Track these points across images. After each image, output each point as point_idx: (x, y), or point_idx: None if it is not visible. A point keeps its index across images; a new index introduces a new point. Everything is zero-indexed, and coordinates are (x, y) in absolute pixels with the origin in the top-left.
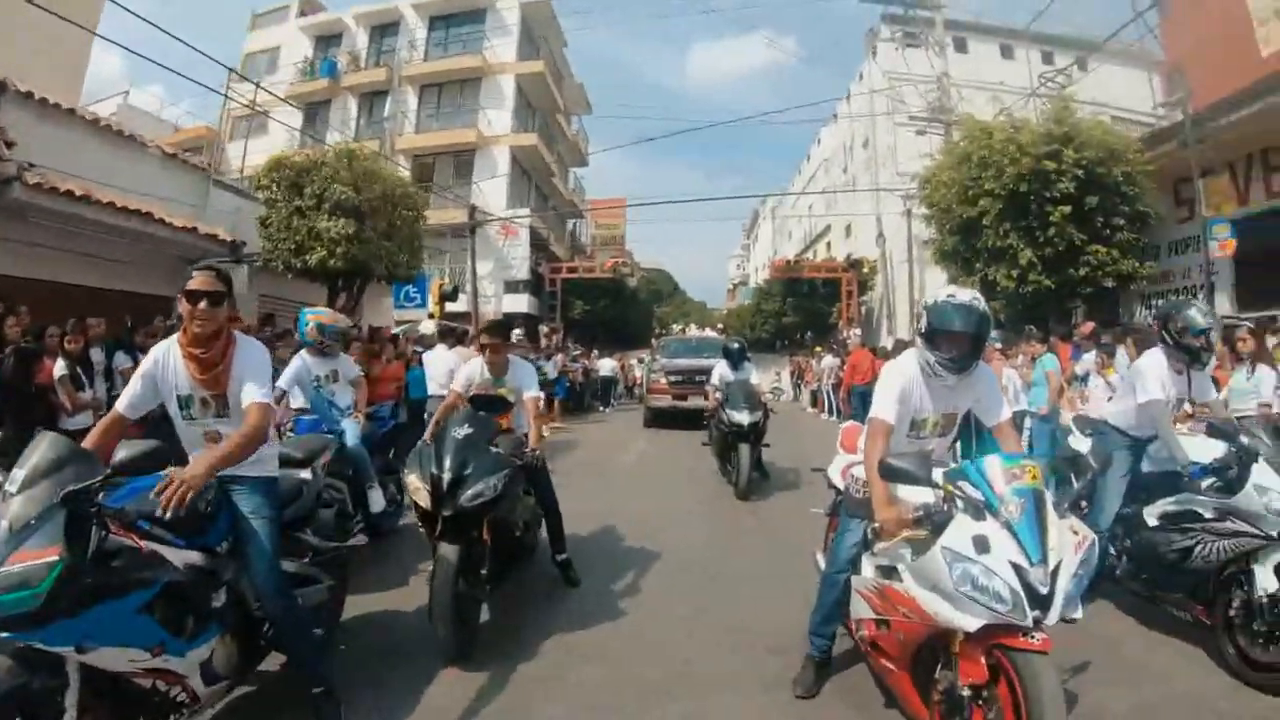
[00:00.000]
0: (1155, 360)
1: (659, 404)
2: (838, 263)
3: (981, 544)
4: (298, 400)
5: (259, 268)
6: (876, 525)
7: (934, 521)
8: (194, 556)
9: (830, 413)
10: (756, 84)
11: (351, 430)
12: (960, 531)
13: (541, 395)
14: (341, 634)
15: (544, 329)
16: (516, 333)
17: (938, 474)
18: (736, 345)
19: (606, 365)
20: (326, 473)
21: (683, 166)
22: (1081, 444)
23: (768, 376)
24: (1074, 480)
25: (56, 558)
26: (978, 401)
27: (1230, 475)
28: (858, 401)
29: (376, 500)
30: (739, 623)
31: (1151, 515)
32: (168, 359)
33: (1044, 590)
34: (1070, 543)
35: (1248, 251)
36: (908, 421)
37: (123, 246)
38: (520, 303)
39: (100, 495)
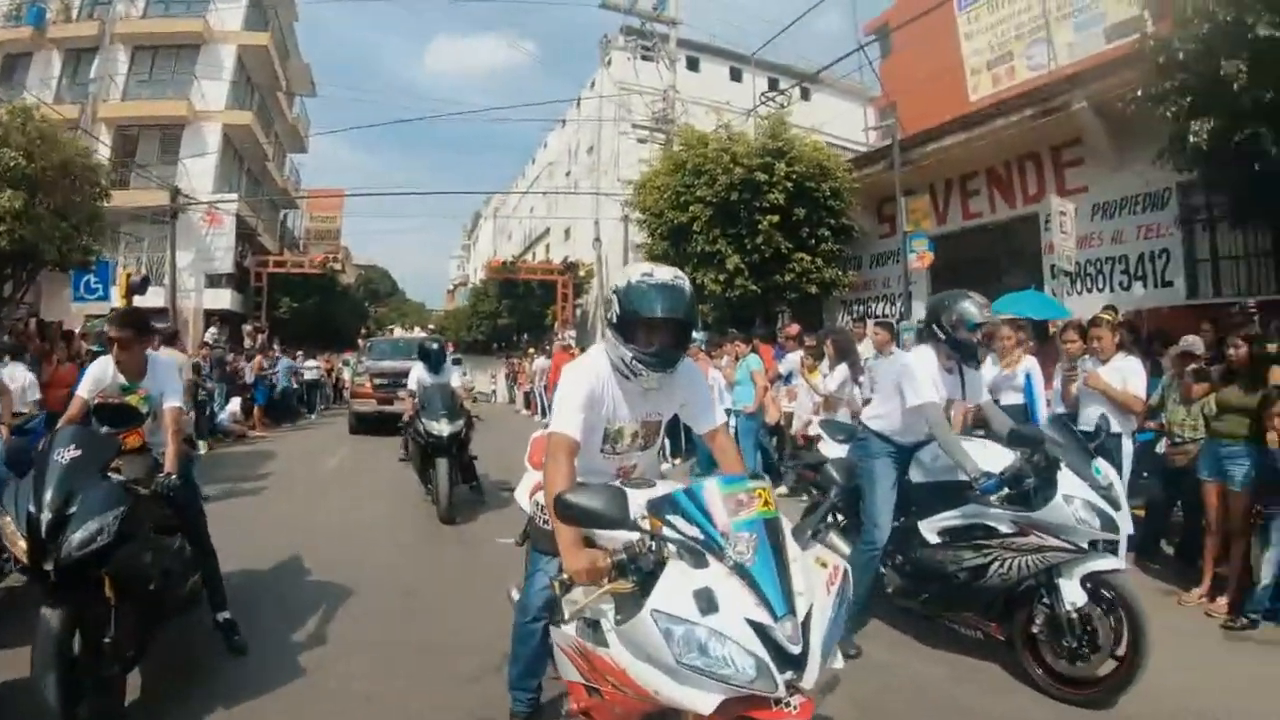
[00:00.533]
0: (924, 358)
1: (363, 408)
2: (555, 265)
3: (706, 600)
4: None
5: None
6: (564, 577)
7: (640, 568)
8: None
9: (543, 414)
10: (494, 85)
11: None
12: (675, 585)
13: (181, 406)
14: None
15: (247, 328)
16: (212, 331)
17: (639, 503)
18: (435, 345)
19: (312, 367)
20: None
21: (410, 164)
22: (833, 450)
23: (483, 379)
24: (815, 491)
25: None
26: (685, 406)
27: (1027, 485)
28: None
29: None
30: (434, 686)
31: (930, 530)
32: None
33: (795, 649)
34: (820, 580)
35: (946, 264)
36: (600, 433)
37: None
38: (223, 298)
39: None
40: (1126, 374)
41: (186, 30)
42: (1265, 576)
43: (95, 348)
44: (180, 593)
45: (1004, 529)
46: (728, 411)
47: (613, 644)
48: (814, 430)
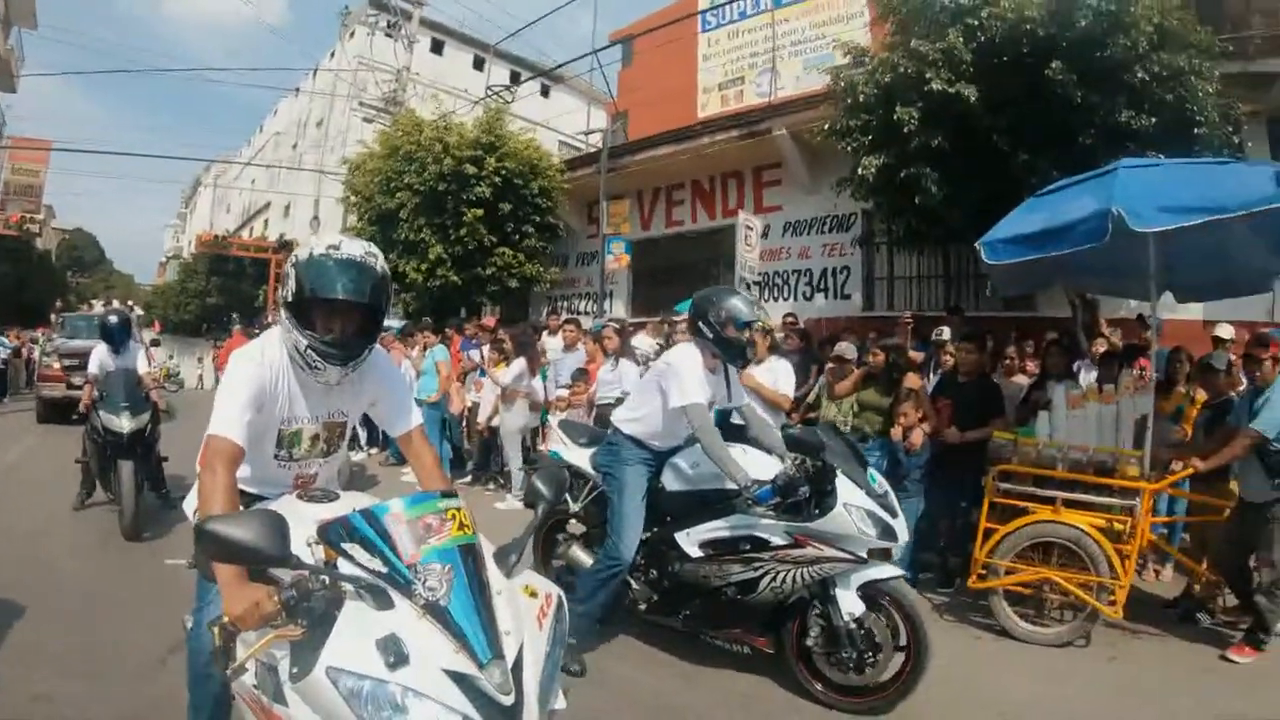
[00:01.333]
0: (689, 356)
1: (52, 394)
2: (269, 243)
3: (393, 650)
4: None
5: None
6: (224, 620)
7: (312, 609)
8: None
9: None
10: (230, 36)
11: None
12: (355, 632)
13: None
14: None
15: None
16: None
17: (306, 531)
18: (116, 319)
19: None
20: None
21: (130, 116)
22: (573, 454)
23: (190, 363)
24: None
25: None
26: (376, 405)
27: (801, 494)
28: None
29: None
30: None
31: (691, 543)
32: None
33: (508, 700)
34: (531, 614)
35: (647, 268)
36: (272, 437)
37: None
38: None
39: None
40: (777, 374)
41: None
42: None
43: None
44: None
45: (777, 540)
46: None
47: (292, 702)
48: (497, 423)
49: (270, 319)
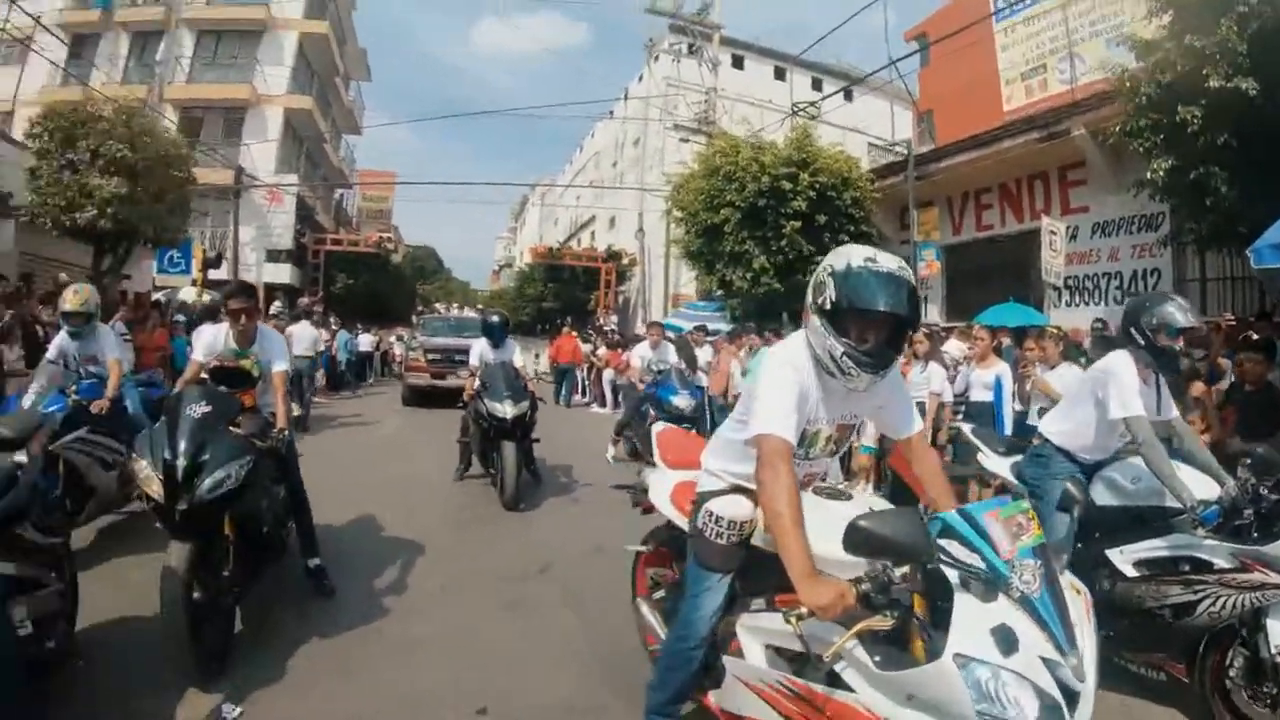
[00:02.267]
0: (1127, 364)
1: (417, 382)
2: (599, 253)
3: (1005, 639)
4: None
5: (25, 222)
6: (802, 611)
7: (893, 601)
8: None
9: (582, 394)
10: (540, 66)
11: (133, 397)
12: (971, 622)
13: (287, 370)
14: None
15: (304, 301)
16: (276, 305)
17: (842, 519)
18: (497, 319)
19: (366, 341)
20: (105, 433)
21: (460, 146)
22: (994, 463)
23: (527, 358)
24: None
25: None
26: (883, 409)
27: (1247, 517)
28: (555, 378)
29: None
30: (535, 648)
31: (1126, 561)
32: None
33: (1080, 686)
34: (1082, 610)
35: (963, 271)
36: (796, 437)
37: None
38: (282, 273)
39: None
40: (1066, 381)
41: (250, 17)
42: None
43: (180, 317)
44: (284, 536)
45: (1222, 563)
46: (739, 397)
47: (861, 689)
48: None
49: (601, 320)
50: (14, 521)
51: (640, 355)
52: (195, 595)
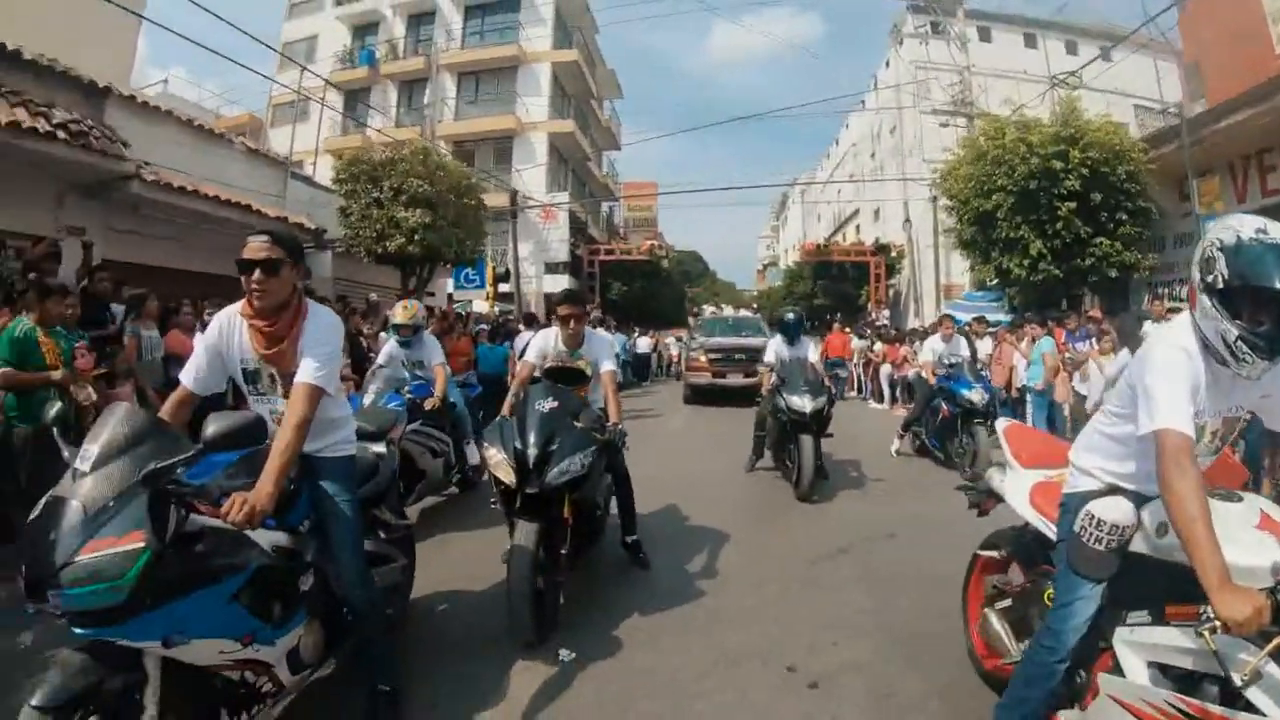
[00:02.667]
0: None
1: (699, 381)
2: (866, 247)
3: None
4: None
5: (341, 253)
6: (1215, 624)
7: None
8: (280, 537)
9: (858, 391)
10: (781, 60)
11: (456, 396)
12: None
13: (615, 369)
14: (411, 613)
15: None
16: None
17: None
18: (792, 316)
19: (644, 343)
20: (433, 426)
21: (711, 145)
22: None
23: None
24: None
25: (142, 545)
26: (1268, 398)
27: None
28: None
29: (473, 454)
30: (833, 620)
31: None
32: (232, 329)
33: None
34: None
35: None
36: None
37: (220, 234)
38: (560, 283)
39: (180, 472)
40: None
41: (503, 55)
42: None
43: (483, 326)
44: (606, 517)
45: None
46: (1022, 390)
47: (1273, 713)
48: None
49: (873, 315)
50: (374, 504)
51: (932, 348)
52: (538, 568)
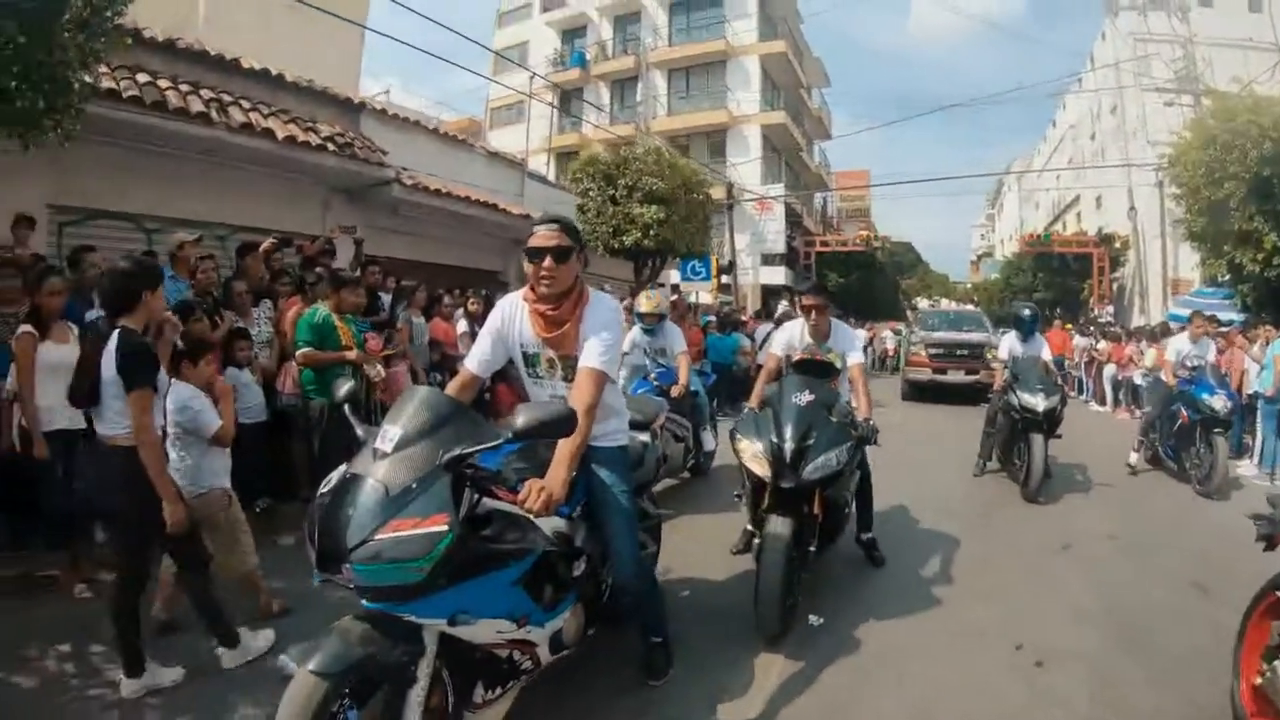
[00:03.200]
0: None
1: (918, 377)
2: (1089, 237)
3: None
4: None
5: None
6: None
7: None
8: (559, 523)
9: (1080, 392)
10: (986, 33)
11: (697, 380)
12: None
13: (863, 362)
14: None
15: (787, 302)
16: (784, 305)
17: None
18: (1028, 312)
19: (860, 336)
20: (677, 413)
21: (920, 127)
22: None
23: None
24: None
25: (446, 528)
26: None
27: None
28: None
29: (709, 441)
30: (1056, 611)
31: None
32: (515, 314)
33: None
34: None
35: None
36: None
37: (468, 230)
38: (777, 275)
39: (476, 456)
40: None
41: (710, 50)
42: None
43: (710, 318)
44: (850, 513)
45: None
46: (1253, 396)
47: None
48: None
49: (1096, 311)
50: (638, 493)
51: (1176, 348)
52: (790, 565)
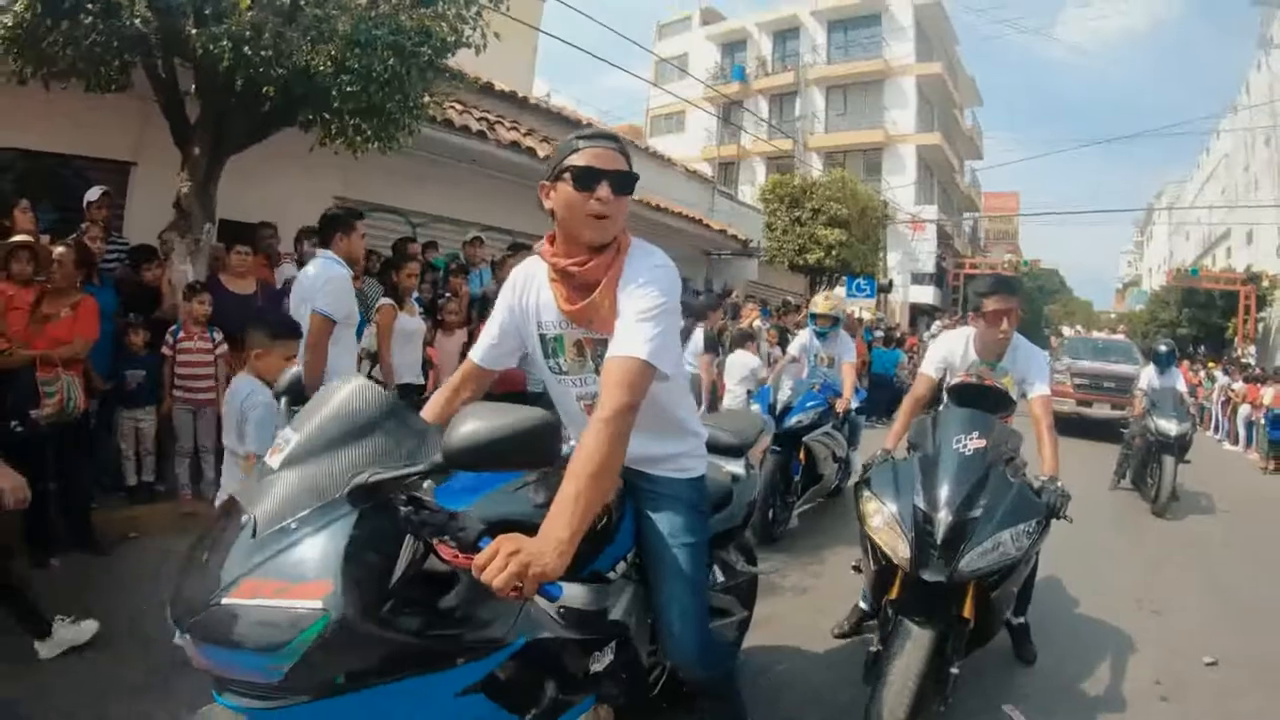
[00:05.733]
0: None
1: (1059, 408)
2: (1236, 274)
3: None
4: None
5: (764, 262)
6: None
7: None
8: (575, 592)
9: (1215, 432)
10: (1136, 47)
11: (854, 397)
12: None
13: (1049, 395)
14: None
15: (943, 320)
16: (938, 324)
17: None
18: (1165, 348)
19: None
20: (838, 430)
21: (1074, 154)
22: None
23: None
24: None
25: (319, 606)
26: None
27: None
28: None
29: (857, 461)
30: (1168, 584)
31: None
32: (529, 282)
33: None
34: None
35: None
36: None
37: (669, 243)
38: (925, 294)
39: (427, 486)
40: None
41: (869, 70)
42: None
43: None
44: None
45: None
46: None
47: None
48: None
49: (1239, 351)
50: (720, 544)
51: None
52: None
